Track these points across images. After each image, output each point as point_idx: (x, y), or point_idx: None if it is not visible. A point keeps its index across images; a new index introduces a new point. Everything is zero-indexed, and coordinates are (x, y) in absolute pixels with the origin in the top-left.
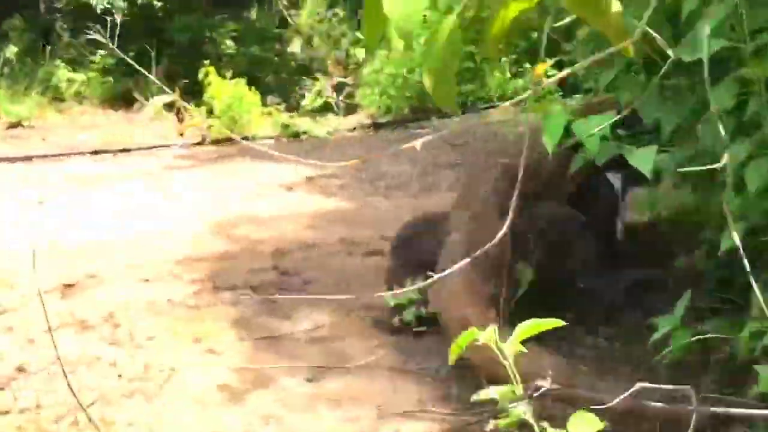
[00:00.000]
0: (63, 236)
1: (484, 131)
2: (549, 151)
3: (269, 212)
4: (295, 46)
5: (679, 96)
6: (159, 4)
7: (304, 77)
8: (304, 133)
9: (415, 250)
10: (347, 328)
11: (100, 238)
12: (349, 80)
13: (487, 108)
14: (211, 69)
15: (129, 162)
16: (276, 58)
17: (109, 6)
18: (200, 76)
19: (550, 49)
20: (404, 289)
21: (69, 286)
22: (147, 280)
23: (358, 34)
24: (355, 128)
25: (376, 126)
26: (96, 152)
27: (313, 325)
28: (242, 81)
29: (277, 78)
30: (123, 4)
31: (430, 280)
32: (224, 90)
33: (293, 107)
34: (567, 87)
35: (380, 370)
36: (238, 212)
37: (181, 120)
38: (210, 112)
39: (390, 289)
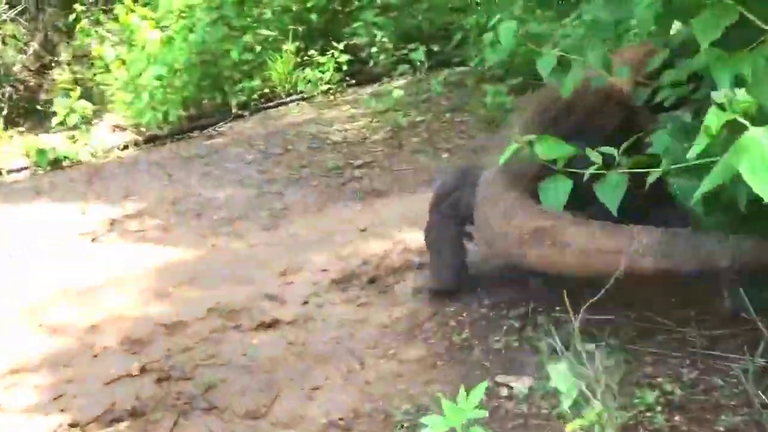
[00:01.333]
0: None
1: (298, 133)
2: None
3: (83, 279)
4: None
5: None
6: None
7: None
8: (65, 158)
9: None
10: None
11: None
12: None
13: (276, 106)
14: None
15: None
16: None
17: None
18: None
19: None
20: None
21: None
22: None
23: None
24: (127, 146)
25: (153, 140)
26: None
27: None
28: None
29: None
30: None
31: None
32: None
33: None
34: (361, 75)
35: None
36: (38, 285)
37: None
38: None
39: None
